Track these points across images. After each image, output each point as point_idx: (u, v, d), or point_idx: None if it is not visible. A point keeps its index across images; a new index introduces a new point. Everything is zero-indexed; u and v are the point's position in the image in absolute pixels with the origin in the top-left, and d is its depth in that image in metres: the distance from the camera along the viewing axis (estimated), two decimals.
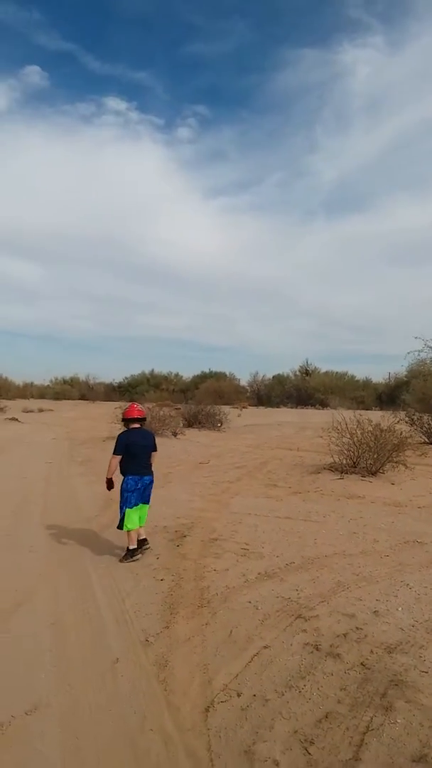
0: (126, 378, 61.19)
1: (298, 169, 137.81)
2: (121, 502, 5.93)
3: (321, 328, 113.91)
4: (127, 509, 5.87)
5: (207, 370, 58.76)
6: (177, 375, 61.54)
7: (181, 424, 20.61)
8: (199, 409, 24.01)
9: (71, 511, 8.20)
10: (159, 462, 13.11)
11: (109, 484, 5.91)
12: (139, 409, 6.33)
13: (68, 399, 56.68)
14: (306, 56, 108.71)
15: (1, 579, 5.18)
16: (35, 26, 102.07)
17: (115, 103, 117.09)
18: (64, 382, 62.97)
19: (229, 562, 5.49)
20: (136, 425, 6.21)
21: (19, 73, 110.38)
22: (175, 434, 18.40)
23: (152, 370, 61.43)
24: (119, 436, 6.02)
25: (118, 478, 5.87)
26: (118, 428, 18.08)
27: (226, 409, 27.60)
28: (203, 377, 56.35)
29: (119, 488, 5.93)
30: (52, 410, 39.82)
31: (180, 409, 26.36)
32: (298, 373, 54.58)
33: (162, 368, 64.11)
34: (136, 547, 5.87)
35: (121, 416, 6.25)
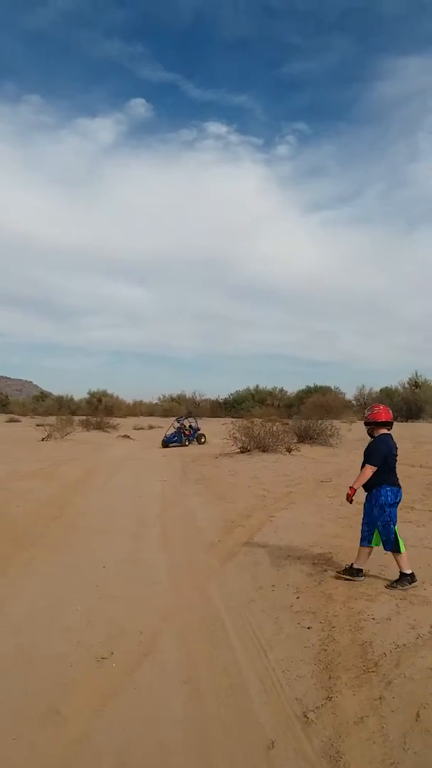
0: (231, 394, 61.15)
1: (399, 178, 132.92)
2: (379, 518, 5.13)
3: (428, 342, 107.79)
4: (396, 527, 5.11)
5: (312, 385, 57.18)
6: (281, 390, 60.51)
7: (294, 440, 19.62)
8: (309, 424, 22.86)
9: (191, 536, 7.55)
10: (277, 480, 12.30)
11: (351, 496, 5.23)
12: (388, 411, 5.49)
13: (176, 416, 57.42)
14: (407, 64, 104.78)
15: (125, 618, 4.55)
16: (139, 59, 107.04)
17: (215, 127, 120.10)
18: (172, 399, 63.94)
19: (389, 608, 4.48)
20: (385, 430, 5.40)
21: (125, 107, 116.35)
22: (289, 450, 17.45)
23: (257, 386, 60.88)
24: (377, 443, 5.25)
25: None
26: (230, 444, 17.53)
27: (336, 423, 26.18)
28: (308, 392, 54.75)
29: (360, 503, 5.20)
30: (161, 427, 40.25)
31: (288, 424, 25.34)
32: (407, 385, 51.51)
33: (265, 384, 63.33)
34: (411, 571, 5.05)
35: (365, 419, 5.42)
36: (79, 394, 59.50)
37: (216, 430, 24.26)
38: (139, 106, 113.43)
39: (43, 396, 69.07)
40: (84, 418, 37.35)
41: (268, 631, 4.23)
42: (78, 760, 2.71)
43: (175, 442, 23.98)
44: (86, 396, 57.82)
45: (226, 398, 61.26)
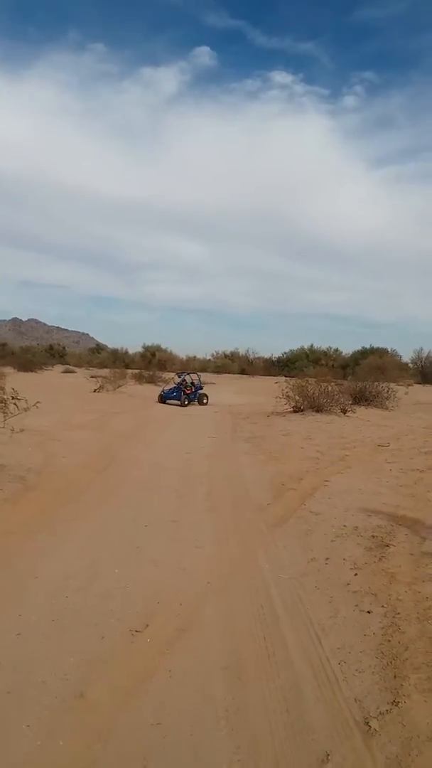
0: (285, 353, 60.05)
1: None
2: None
3: None
4: None
5: (368, 346, 55.34)
6: (336, 351, 58.90)
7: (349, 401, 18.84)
8: (366, 385, 21.93)
9: (239, 497, 7.14)
10: (332, 442, 11.71)
11: None
12: None
13: (228, 373, 57.07)
14: None
15: (164, 586, 4.19)
16: (205, 6, 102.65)
17: (281, 76, 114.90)
18: (225, 356, 63.54)
19: None
20: None
21: (189, 56, 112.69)
22: (344, 411, 16.73)
23: (311, 346, 59.49)
24: None
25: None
26: (282, 403, 16.98)
27: (392, 386, 25.05)
28: (363, 353, 53.06)
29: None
30: (214, 383, 40.02)
31: (342, 384, 24.43)
32: None
33: (321, 344, 61.78)
34: None
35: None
36: (134, 347, 59.80)
37: (269, 387, 23.65)
38: (203, 55, 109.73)
39: (99, 348, 69.97)
40: (137, 371, 37.48)
41: (322, 613, 3.77)
42: (98, 761, 2.34)
43: (174, 398, 21.82)
44: (141, 350, 58.03)
45: (279, 357, 60.27)
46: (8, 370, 34.77)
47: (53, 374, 40.71)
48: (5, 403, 6.96)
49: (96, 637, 3.33)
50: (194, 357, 63.33)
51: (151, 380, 33.91)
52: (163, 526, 5.72)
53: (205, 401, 22.49)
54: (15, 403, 7.12)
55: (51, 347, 66.02)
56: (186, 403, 21.37)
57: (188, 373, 24.34)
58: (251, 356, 62.54)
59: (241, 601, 3.98)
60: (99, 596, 3.93)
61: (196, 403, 22.01)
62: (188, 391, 22.21)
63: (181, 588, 4.17)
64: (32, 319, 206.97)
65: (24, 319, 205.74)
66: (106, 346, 70.40)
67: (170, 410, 18.89)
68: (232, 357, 62.97)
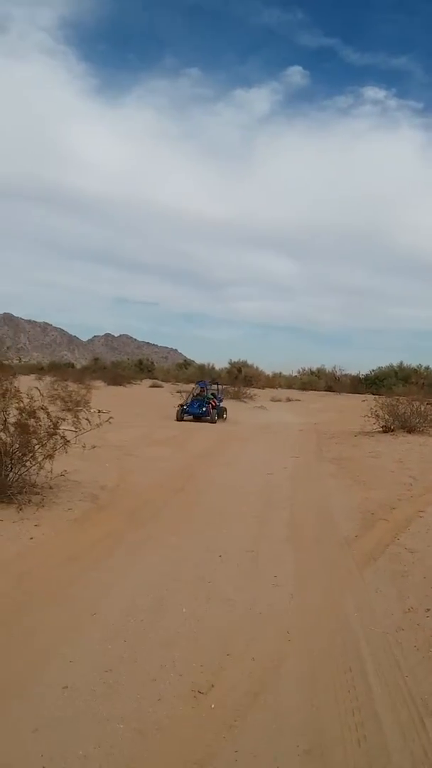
0: (373, 370, 57.94)
1: None
2: None
3: None
4: None
5: None
6: (427, 368, 56.04)
7: None
8: None
9: (324, 526, 6.48)
10: (426, 467, 10.69)
11: None
12: None
13: (314, 390, 55.78)
14: None
15: (236, 633, 3.67)
16: (298, 26, 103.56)
17: (373, 92, 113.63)
18: (311, 373, 62.23)
19: None
20: None
21: (281, 75, 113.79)
22: None
23: (400, 363, 56.99)
24: None
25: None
26: (371, 422, 15.98)
27: None
28: None
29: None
30: (299, 400, 39.13)
31: None
32: None
33: (410, 361, 59.04)
34: None
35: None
36: (221, 363, 59.93)
37: (356, 405, 22.56)
38: (295, 74, 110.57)
39: (186, 364, 70.75)
40: (223, 386, 37.35)
41: (426, 685, 3.09)
42: None
43: (199, 414, 18.34)
44: (227, 366, 58.07)
45: (367, 374, 58.22)
46: (98, 383, 35.78)
47: (141, 388, 41.47)
48: (78, 419, 6.75)
49: (152, 698, 2.86)
50: (280, 373, 62.51)
51: (236, 396, 33.59)
52: (239, 558, 5.20)
53: (224, 416, 19.79)
54: (87, 419, 6.90)
55: (140, 362, 67.54)
56: (216, 419, 18.51)
57: (210, 383, 21.63)
58: (338, 373, 60.91)
59: (325, 659, 3.38)
60: (161, 643, 3.47)
61: (208, 419, 18.43)
62: (213, 405, 19.14)
63: (254, 637, 3.63)
64: (124, 334, 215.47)
65: (116, 334, 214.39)
66: (194, 361, 71.16)
67: (253, 428, 18.35)
68: (318, 374, 61.55)
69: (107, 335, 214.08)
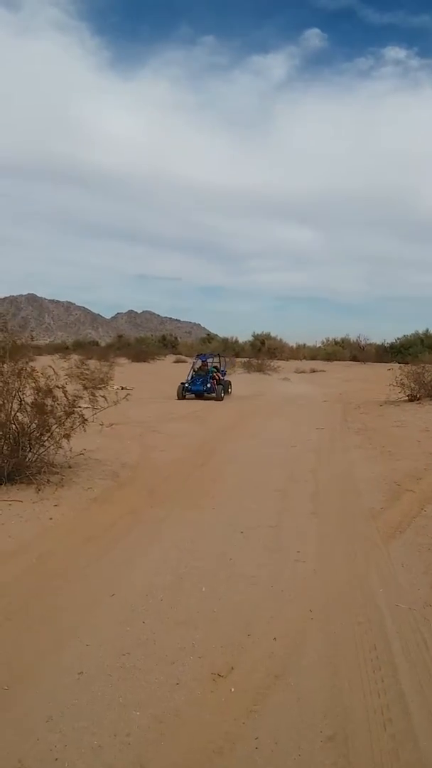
0: (398, 339, 56.84)
1: None
2: None
3: None
4: None
5: None
6: None
7: None
8: None
9: (348, 499, 6.33)
10: None
11: None
12: None
13: (339, 360, 55.13)
14: None
15: (257, 612, 3.57)
16: None
17: (394, 52, 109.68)
18: (335, 343, 61.40)
19: None
20: None
21: (299, 39, 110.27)
22: None
23: (426, 330, 55.72)
24: None
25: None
26: (396, 391, 15.65)
27: None
28: None
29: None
30: (324, 371, 38.70)
31: None
32: None
33: None
34: None
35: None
36: (244, 336, 59.56)
37: (381, 374, 22.16)
38: (313, 37, 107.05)
39: (210, 338, 70.43)
40: (246, 359, 37.14)
41: None
42: None
43: (203, 391, 16.98)
44: (250, 338, 57.66)
45: (392, 343, 57.15)
46: (123, 360, 35.90)
47: (164, 364, 41.44)
48: (95, 397, 6.67)
49: (170, 683, 2.78)
50: (304, 345, 61.87)
51: (260, 368, 33.39)
52: (261, 533, 5.10)
53: (229, 390, 18.67)
54: (104, 396, 6.82)
55: (164, 337, 67.49)
56: (222, 395, 17.23)
57: (210, 356, 20.06)
58: (362, 343, 60.01)
59: (349, 638, 3.26)
60: (180, 624, 3.39)
61: (214, 395, 17.09)
62: (218, 379, 17.85)
63: (276, 616, 3.53)
64: (147, 311, 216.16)
65: (139, 311, 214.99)
66: (217, 335, 70.81)
67: (276, 400, 18.15)
68: (343, 344, 60.74)
69: (130, 312, 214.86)
